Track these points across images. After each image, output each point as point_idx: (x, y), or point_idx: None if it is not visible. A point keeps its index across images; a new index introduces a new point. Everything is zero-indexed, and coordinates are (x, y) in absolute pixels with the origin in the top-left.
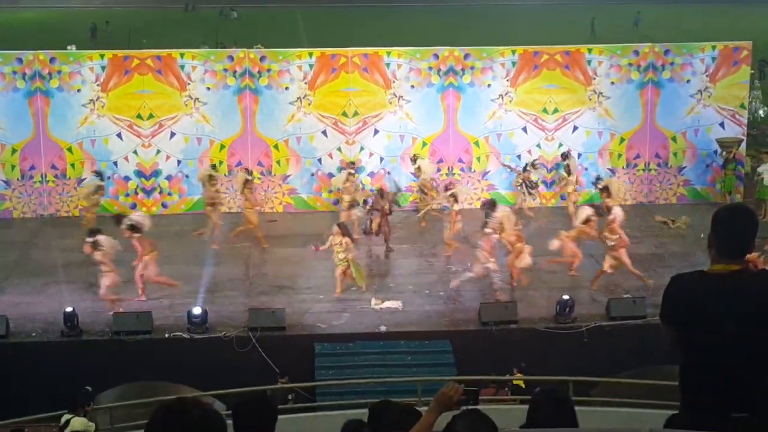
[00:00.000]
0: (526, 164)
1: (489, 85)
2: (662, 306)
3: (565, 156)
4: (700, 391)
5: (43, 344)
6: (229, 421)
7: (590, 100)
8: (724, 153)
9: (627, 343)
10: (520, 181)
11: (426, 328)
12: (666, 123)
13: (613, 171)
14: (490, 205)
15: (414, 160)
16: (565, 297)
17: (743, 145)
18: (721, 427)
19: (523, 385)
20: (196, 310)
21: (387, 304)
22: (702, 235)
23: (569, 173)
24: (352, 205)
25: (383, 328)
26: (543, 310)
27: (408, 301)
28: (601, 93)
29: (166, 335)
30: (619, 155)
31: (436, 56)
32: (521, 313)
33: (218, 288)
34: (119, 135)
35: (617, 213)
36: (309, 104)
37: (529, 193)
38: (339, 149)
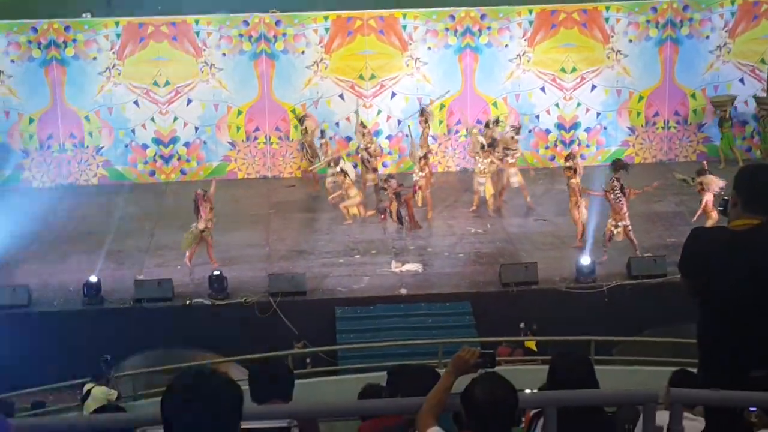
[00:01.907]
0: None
1: (506, 46)
2: (681, 257)
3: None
4: (718, 347)
5: (66, 313)
6: (246, 387)
7: (608, 58)
8: (718, 112)
9: (648, 302)
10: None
11: (446, 290)
12: (685, 80)
13: (632, 129)
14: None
15: (496, 122)
16: (585, 256)
17: (752, 102)
18: (739, 385)
19: (535, 348)
20: (216, 273)
21: (407, 266)
22: (721, 192)
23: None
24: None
25: (404, 291)
26: (563, 270)
27: (428, 264)
28: (619, 51)
29: (187, 302)
30: (638, 113)
31: (453, 17)
32: (541, 274)
33: (239, 254)
34: (136, 102)
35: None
36: (326, 68)
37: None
38: (356, 113)
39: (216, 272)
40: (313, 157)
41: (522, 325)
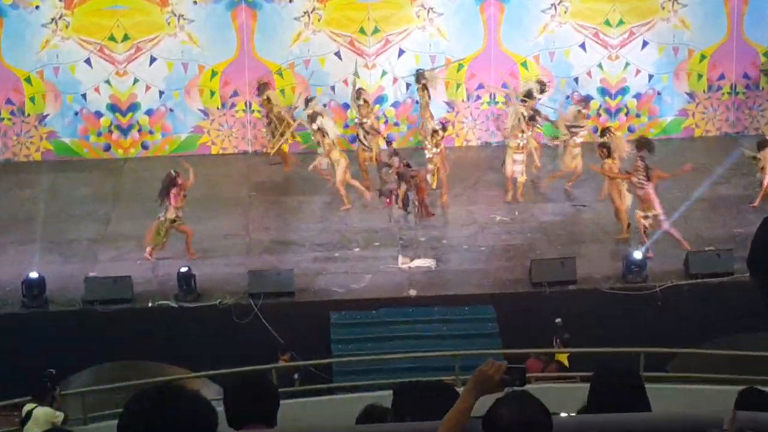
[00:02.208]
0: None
1: None
2: (751, 251)
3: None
4: None
5: (1, 318)
6: (221, 409)
7: (662, 9)
8: None
9: (710, 306)
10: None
11: (465, 291)
12: (756, 35)
13: (692, 96)
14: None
15: (542, 89)
16: (635, 251)
17: None
18: None
19: (567, 363)
20: (183, 270)
21: (417, 262)
22: None
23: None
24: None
25: (413, 292)
26: (607, 267)
27: (443, 259)
28: (677, 0)
29: (150, 304)
30: (700, 76)
31: None
32: (580, 271)
33: (212, 246)
34: (88, 61)
35: None
36: (319, 20)
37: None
38: (355, 74)
39: (184, 268)
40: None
41: (558, 321)
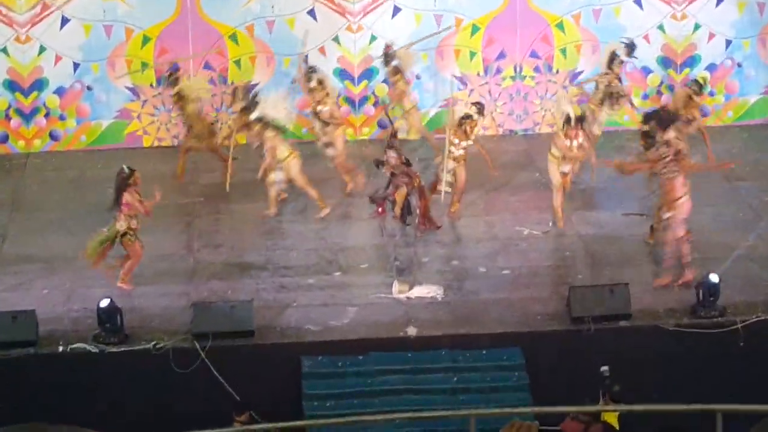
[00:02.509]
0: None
1: None
2: None
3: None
4: None
5: None
6: None
7: None
8: None
9: None
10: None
11: (482, 330)
12: None
13: None
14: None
15: (627, 53)
16: (711, 276)
17: None
18: None
19: (617, 424)
20: (113, 304)
21: (418, 290)
22: None
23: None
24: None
25: (412, 331)
26: (671, 296)
27: (452, 286)
28: None
29: (61, 348)
30: None
31: None
32: (636, 303)
33: (144, 270)
34: None
35: None
36: None
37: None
38: (336, 40)
39: (106, 300)
40: (208, 136)
41: (604, 369)
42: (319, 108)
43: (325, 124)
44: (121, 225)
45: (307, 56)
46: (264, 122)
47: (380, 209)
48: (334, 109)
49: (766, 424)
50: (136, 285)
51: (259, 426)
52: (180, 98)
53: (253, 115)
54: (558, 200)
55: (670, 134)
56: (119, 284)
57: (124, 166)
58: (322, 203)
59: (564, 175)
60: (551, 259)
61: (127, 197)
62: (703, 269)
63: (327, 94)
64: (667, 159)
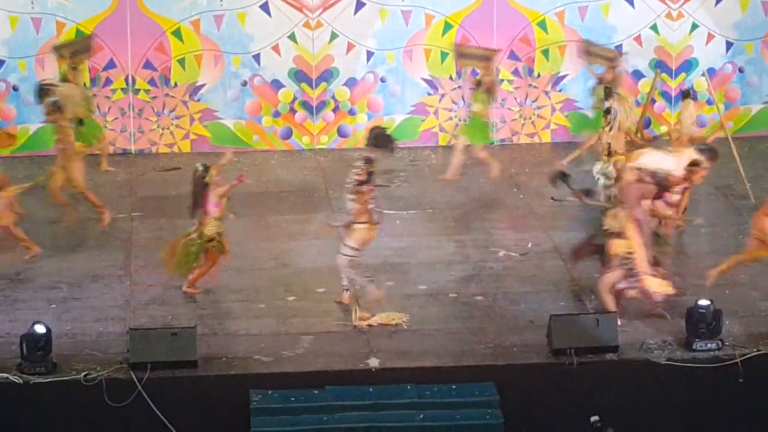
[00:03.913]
0: None
1: None
2: None
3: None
4: None
5: None
6: None
7: None
8: None
9: None
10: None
11: (452, 363)
12: None
13: None
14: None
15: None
16: (703, 302)
17: None
18: None
19: None
20: (39, 330)
21: (380, 318)
22: None
23: None
24: None
25: (374, 362)
26: (664, 325)
27: (418, 314)
28: None
29: None
30: None
31: None
32: (625, 334)
33: (75, 292)
34: None
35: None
36: None
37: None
38: (292, 38)
39: (37, 326)
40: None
41: (595, 420)
42: None
43: None
44: (210, 230)
45: None
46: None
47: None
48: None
49: None
50: (65, 310)
51: None
52: (55, 110)
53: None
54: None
55: None
56: (186, 289)
57: (198, 164)
58: (103, 210)
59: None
60: (530, 284)
61: (212, 193)
62: (697, 296)
63: None
64: None
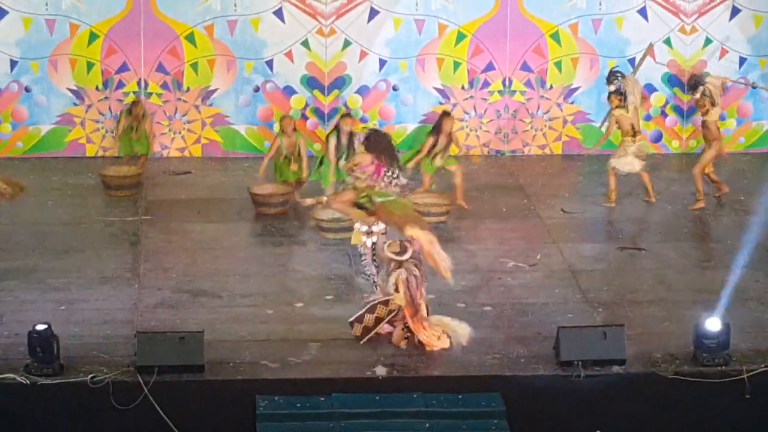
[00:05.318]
0: None
1: None
2: None
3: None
4: None
5: None
6: None
7: None
8: None
9: None
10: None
11: (459, 372)
12: None
13: None
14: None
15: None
16: (711, 317)
17: None
18: None
19: None
20: (38, 329)
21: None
22: None
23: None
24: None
25: (381, 371)
26: (671, 340)
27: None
28: None
29: None
30: None
31: None
32: (633, 347)
33: (83, 295)
34: None
35: None
36: None
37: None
38: (305, 44)
39: (41, 326)
40: None
41: None
42: None
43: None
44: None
45: None
46: None
47: None
48: None
49: None
50: (75, 314)
51: None
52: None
53: None
54: None
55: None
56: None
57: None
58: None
59: None
60: (538, 295)
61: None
62: (705, 313)
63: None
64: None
